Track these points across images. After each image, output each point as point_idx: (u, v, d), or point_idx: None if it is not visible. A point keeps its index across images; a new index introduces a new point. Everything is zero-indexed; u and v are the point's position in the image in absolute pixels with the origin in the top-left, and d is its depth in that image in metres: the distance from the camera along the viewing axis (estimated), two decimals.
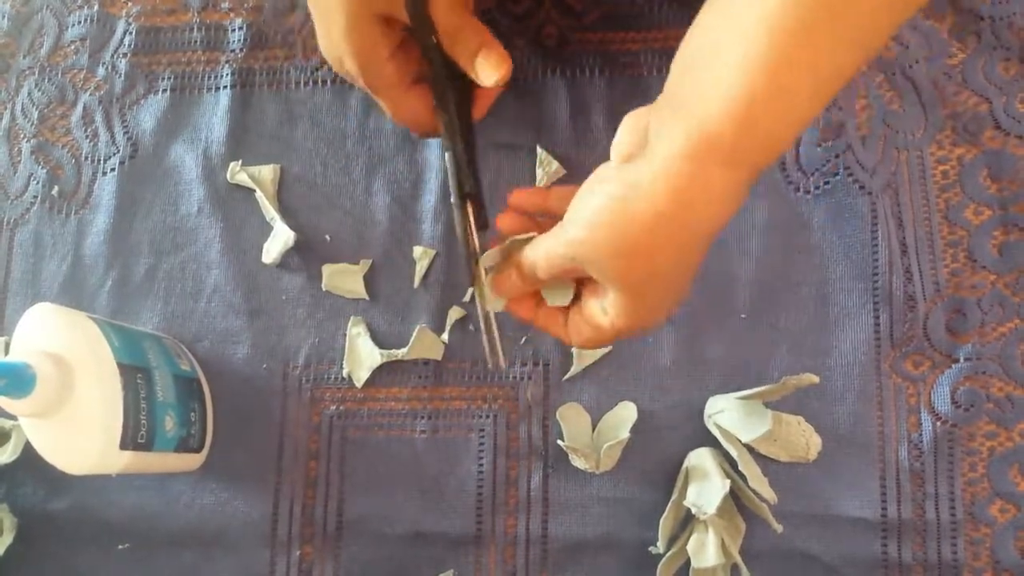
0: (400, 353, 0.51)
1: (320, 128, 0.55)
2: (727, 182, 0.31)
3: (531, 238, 0.39)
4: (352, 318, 0.52)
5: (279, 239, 0.52)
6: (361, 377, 0.51)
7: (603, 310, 0.37)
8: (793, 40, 0.29)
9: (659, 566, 0.47)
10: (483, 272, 0.42)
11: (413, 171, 0.54)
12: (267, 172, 0.54)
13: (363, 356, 0.51)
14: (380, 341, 0.52)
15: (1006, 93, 0.50)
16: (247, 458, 0.52)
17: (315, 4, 0.43)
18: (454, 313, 0.51)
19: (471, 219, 0.43)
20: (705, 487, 0.46)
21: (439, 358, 0.51)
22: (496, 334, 0.42)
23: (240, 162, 0.54)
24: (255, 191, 0.54)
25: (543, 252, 0.37)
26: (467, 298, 0.52)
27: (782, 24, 0.29)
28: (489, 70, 0.43)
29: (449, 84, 0.44)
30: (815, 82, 0.30)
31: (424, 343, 0.51)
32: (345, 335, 0.52)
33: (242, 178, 0.54)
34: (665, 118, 0.32)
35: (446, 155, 0.44)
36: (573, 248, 0.35)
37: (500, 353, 0.42)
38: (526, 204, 0.42)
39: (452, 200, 0.43)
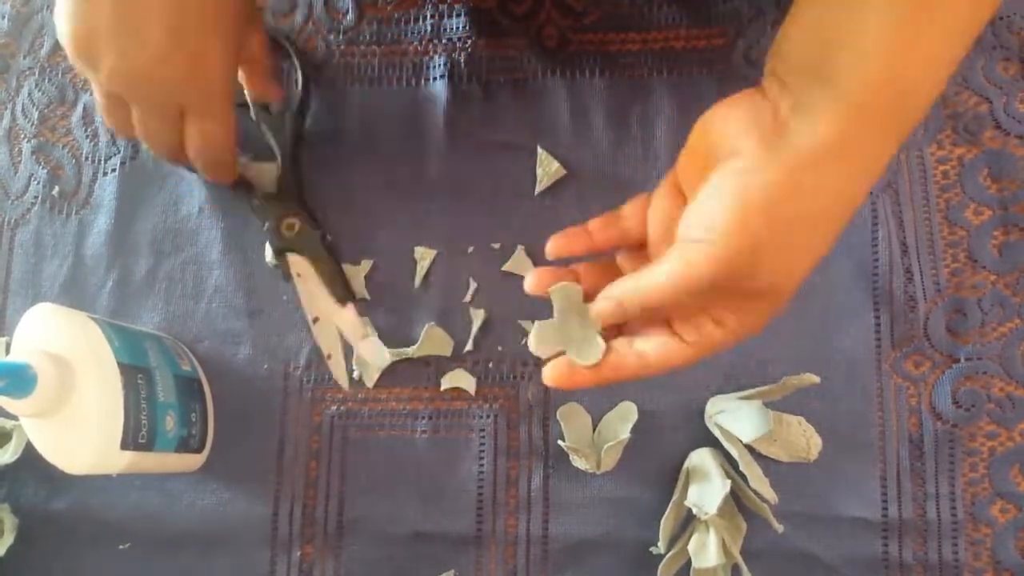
0: (410, 351, 0.51)
1: (320, 128, 0.55)
2: (884, 148, 0.31)
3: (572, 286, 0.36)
4: (360, 319, 0.52)
5: None
6: (372, 378, 0.51)
7: (717, 323, 0.34)
8: (936, 8, 0.28)
9: (660, 566, 0.47)
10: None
11: (413, 171, 0.54)
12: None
13: (372, 356, 0.51)
14: (382, 341, 0.52)
15: (1006, 93, 0.50)
16: (248, 458, 0.52)
17: (179, 31, 0.42)
18: (478, 316, 0.51)
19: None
20: (706, 487, 0.46)
21: (448, 354, 0.51)
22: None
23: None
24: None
25: (671, 283, 0.32)
26: (467, 298, 0.52)
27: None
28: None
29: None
30: (951, 39, 0.29)
31: (433, 340, 0.51)
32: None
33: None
34: (814, 90, 0.30)
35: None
36: (730, 259, 0.31)
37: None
38: (569, 248, 0.38)
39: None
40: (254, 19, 0.49)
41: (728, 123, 0.32)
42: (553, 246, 0.39)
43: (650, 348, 0.35)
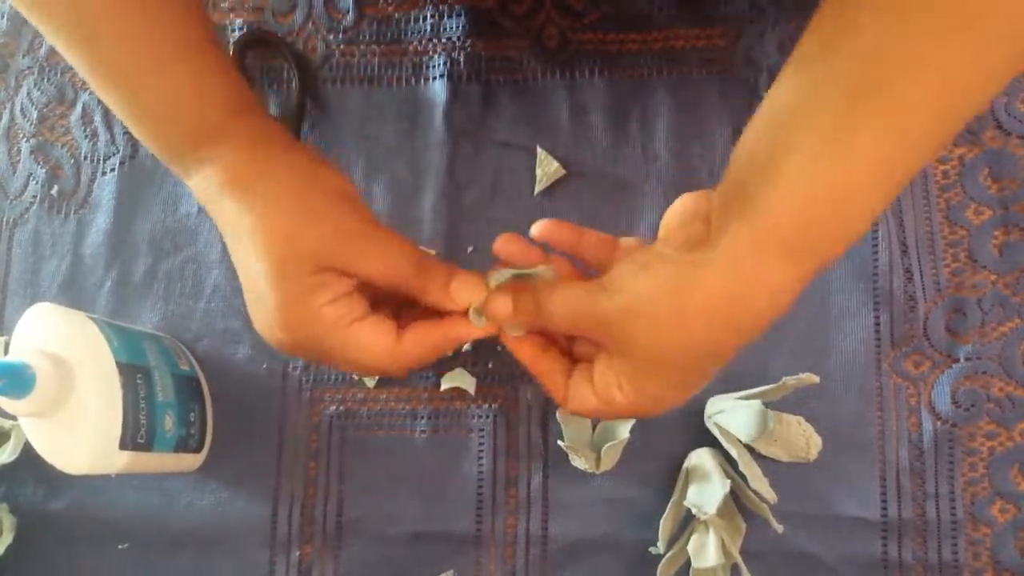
0: None
1: (320, 128, 0.55)
2: (787, 278, 0.31)
3: (543, 274, 0.38)
4: None
5: None
6: (372, 379, 0.51)
7: (619, 386, 0.35)
8: (860, 140, 0.28)
9: (659, 566, 0.47)
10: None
11: (413, 171, 0.54)
12: None
13: None
14: None
15: (1007, 93, 0.50)
16: (247, 458, 0.52)
17: (246, 280, 0.37)
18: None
19: None
20: (705, 487, 0.46)
21: (448, 354, 0.51)
22: None
23: None
24: None
25: (573, 306, 0.35)
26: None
27: (850, 123, 0.28)
28: (467, 293, 0.38)
29: None
30: (880, 182, 0.30)
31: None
32: None
33: None
34: (731, 210, 0.31)
35: None
36: (614, 319, 0.33)
37: None
38: (557, 238, 0.40)
39: None
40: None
41: (678, 212, 0.35)
42: (540, 228, 0.40)
43: (573, 382, 0.37)
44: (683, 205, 0.35)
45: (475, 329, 0.38)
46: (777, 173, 0.30)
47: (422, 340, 0.37)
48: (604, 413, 0.36)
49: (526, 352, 0.39)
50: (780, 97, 0.31)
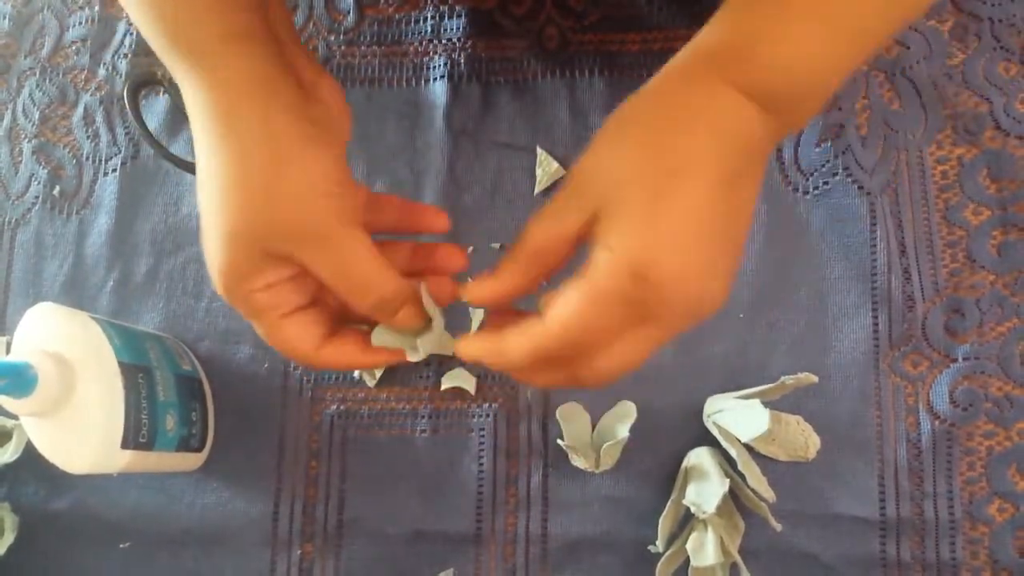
0: None
1: None
2: (734, 97, 0.30)
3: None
4: None
5: None
6: (375, 374, 0.51)
7: (602, 245, 0.30)
8: None
9: (658, 565, 0.47)
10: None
11: (413, 171, 0.54)
12: None
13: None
14: None
15: (1006, 94, 0.50)
16: (248, 457, 0.52)
17: (207, 224, 0.34)
18: (477, 316, 0.51)
19: None
20: (704, 486, 0.46)
21: (450, 353, 0.51)
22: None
23: None
24: None
25: (542, 210, 0.32)
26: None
27: None
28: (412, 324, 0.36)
29: None
30: (834, 28, 0.30)
31: (437, 339, 0.51)
32: None
33: None
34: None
35: None
36: (578, 165, 0.31)
37: None
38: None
39: None
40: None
41: None
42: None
43: (551, 300, 0.32)
44: None
45: (392, 356, 0.37)
46: (726, 12, 0.31)
47: (341, 354, 0.36)
48: (592, 293, 0.30)
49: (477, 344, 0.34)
50: None
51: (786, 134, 0.34)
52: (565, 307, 0.30)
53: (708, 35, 0.32)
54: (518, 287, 0.33)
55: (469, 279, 0.51)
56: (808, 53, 0.30)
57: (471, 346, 0.34)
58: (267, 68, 0.33)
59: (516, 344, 0.32)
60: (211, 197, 0.33)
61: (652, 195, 0.29)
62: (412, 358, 0.38)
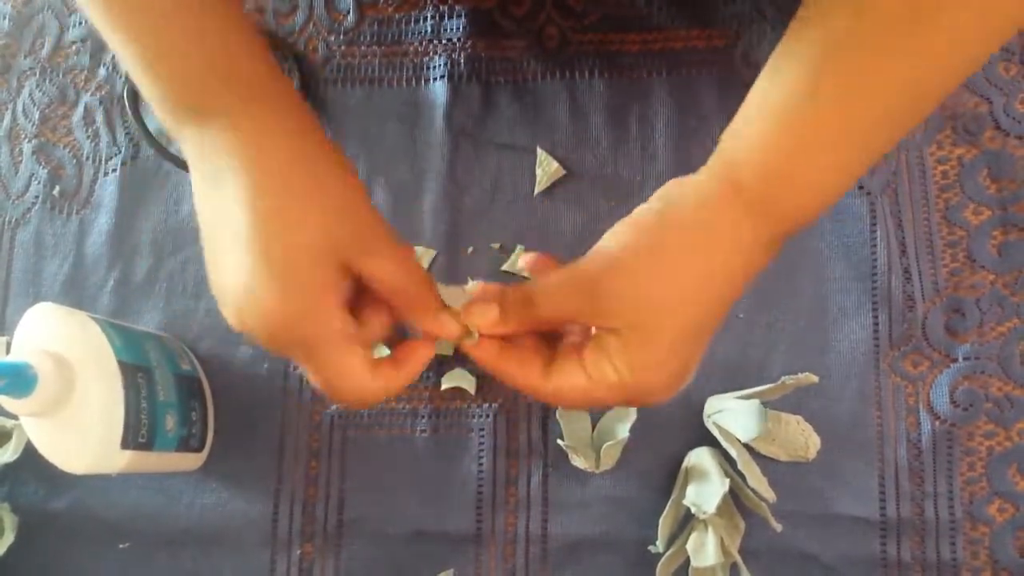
0: None
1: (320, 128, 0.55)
2: (754, 232, 0.32)
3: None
4: None
5: None
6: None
7: (610, 362, 0.33)
8: (832, 104, 0.30)
9: (658, 565, 0.47)
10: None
11: (413, 172, 0.54)
12: None
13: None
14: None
15: (1006, 94, 0.50)
16: (248, 457, 0.52)
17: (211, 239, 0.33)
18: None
19: None
20: (704, 486, 0.46)
21: (449, 353, 0.51)
22: None
23: None
24: None
25: (557, 286, 0.34)
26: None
27: (825, 88, 0.30)
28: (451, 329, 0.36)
29: None
30: (844, 139, 0.31)
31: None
32: None
33: None
34: (709, 162, 0.33)
35: None
36: (596, 278, 0.33)
37: None
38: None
39: None
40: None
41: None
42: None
43: (557, 366, 0.35)
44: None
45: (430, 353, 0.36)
46: (745, 131, 0.32)
47: (389, 381, 0.35)
48: (595, 395, 0.34)
49: (487, 350, 0.35)
50: (766, 69, 0.33)
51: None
52: (565, 388, 0.34)
53: (731, 167, 0.33)
54: (517, 332, 0.36)
55: (470, 279, 0.51)
56: (825, 191, 0.32)
57: (483, 355, 0.36)
58: (296, 96, 0.35)
59: (513, 376, 0.35)
60: (250, 228, 0.31)
61: (674, 344, 0.33)
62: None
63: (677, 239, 0.32)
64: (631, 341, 0.33)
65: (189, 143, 0.34)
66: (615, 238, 0.33)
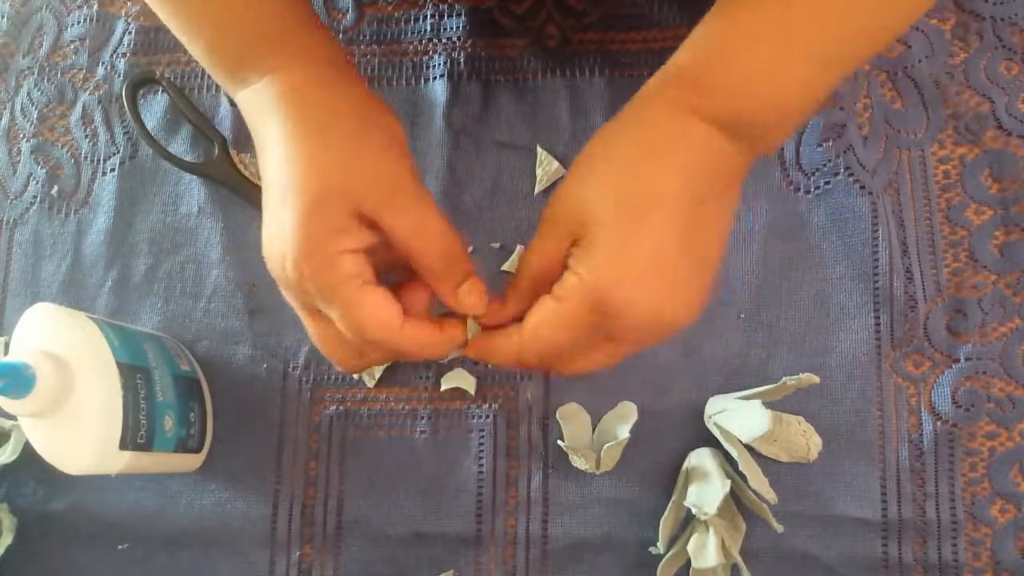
0: None
1: None
2: (697, 124, 0.32)
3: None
4: None
5: None
6: (374, 375, 0.51)
7: (571, 271, 0.33)
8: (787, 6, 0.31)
9: (659, 566, 0.47)
10: None
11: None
12: None
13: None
14: None
15: (1008, 93, 0.50)
16: (247, 458, 0.52)
17: (272, 186, 0.35)
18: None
19: None
20: (705, 487, 0.45)
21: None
22: None
23: (250, 155, 0.54)
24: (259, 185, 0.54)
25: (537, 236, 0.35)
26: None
27: None
28: (473, 301, 0.36)
29: None
30: (793, 44, 0.31)
31: None
32: None
33: (252, 172, 0.54)
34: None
35: None
36: (557, 191, 0.34)
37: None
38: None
39: None
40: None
41: None
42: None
43: (531, 311, 0.35)
44: None
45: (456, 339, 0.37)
46: (690, 38, 0.33)
47: (420, 330, 0.35)
48: (567, 315, 0.33)
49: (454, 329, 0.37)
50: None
51: (759, 156, 0.35)
52: (538, 320, 0.34)
53: (673, 63, 0.34)
54: (525, 310, 0.36)
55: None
56: (763, 78, 0.32)
57: (473, 345, 0.37)
58: (334, 47, 0.38)
59: (502, 347, 0.36)
60: (288, 171, 0.33)
61: (619, 229, 0.32)
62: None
63: (615, 135, 0.33)
64: (588, 244, 0.32)
65: (244, 103, 0.37)
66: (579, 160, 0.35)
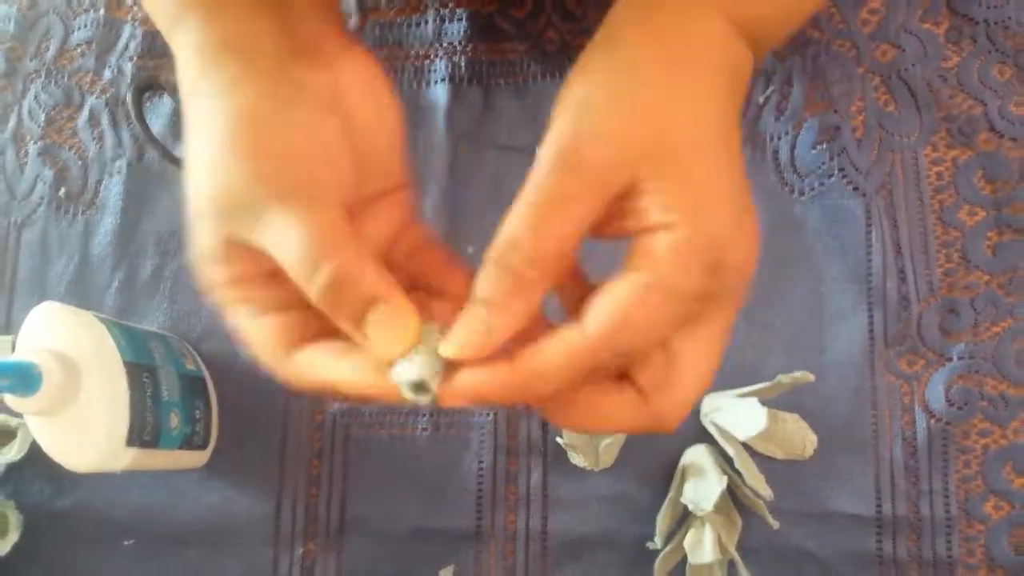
0: None
1: None
2: (730, 39, 0.27)
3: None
4: None
5: None
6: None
7: (666, 225, 0.25)
8: None
9: (656, 562, 0.47)
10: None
11: (414, 174, 0.54)
12: None
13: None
14: None
15: (1001, 96, 0.50)
16: (251, 456, 0.52)
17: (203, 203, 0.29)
18: None
19: None
20: (702, 484, 0.46)
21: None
22: None
23: None
24: None
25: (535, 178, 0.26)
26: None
27: None
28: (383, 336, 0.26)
29: None
30: None
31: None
32: None
33: None
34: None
35: None
36: (581, 136, 0.26)
37: None
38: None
39: None
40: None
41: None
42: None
43: (592, 317, 0.25)
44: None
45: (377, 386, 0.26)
46: None
47: (311, 362, 0.27)
48: (669, 282, 0.24)
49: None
50: None
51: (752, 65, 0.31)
52: (614, 308, 0.24)
53: None
54: (533, 313, 0.26)
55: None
56: None
57: (477, 377, 0.25)
58: (243, 28, 0.29)
59: (548, 360, 0.25)
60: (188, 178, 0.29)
61: (708, 164, 0.25)
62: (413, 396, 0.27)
63: (654, 60, 0.26)
64: (673, 188, 0.25)
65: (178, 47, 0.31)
66: (572, 88, 0.27)
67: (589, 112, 0.26)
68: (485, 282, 0.26)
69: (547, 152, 0.26)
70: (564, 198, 0.25)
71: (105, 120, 0.58)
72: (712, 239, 0.24)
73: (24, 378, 0.40)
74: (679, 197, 0.25)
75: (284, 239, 0.26)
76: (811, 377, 0.45)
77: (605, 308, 0.24)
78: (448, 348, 0.26)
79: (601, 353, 0.24)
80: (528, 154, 0.53)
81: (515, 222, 0.26)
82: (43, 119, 0.59)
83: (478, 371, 0.25)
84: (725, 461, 0.47)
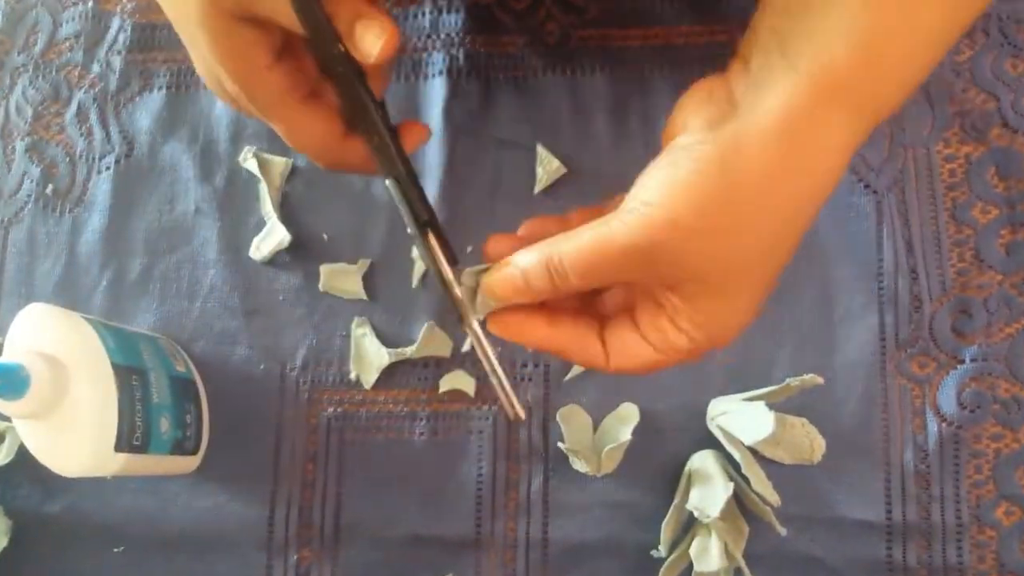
0: (409, 351, 0.50)
1: None
2: (849, 130, 0.27)
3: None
4: (356, 319, 0.51)
5: (273, 238, 0.52)
6: (370, 379, 0.51)
7: (675, 326, 0.30)
8: None
9: (661, 570, 0.46)
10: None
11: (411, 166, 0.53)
12: (278, 164, 0.53)
13: (371, 357, 0.51)
14: (380, 341, 0.51)
15: (1014, 90, 0.49)
16: (243, 460, 0.51)
17: (176, 20, 0.34)
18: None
19: (437, 249, 0.35)
20: (708, 490, 0.45)
21: (447, 355, 0.50)
22: (503, 376, 0.34)
23: (255, 148, 0.53)
24: (260, 183, 0.53)
25: (589, 246, 0.29)
26: (466, 347, 0.51)
27: None
28: (371, 40, 0.32)
29: (370, 99, 0.35)
30: (943, 17, 0.27)
31: (433, 340, 0.50)
32: (342, 335, 0.52)
33: (251, 165, 0.53)
34: (773, 66, 0.27)
35: (388, 183, 0.36)
36: (645, 234, 0.28)
37: (515, 402, 0.35)
38: (543, 233, 0.32)
39: (409, 231, 0.36)
40: None
41: (686, 104, 0.31)
42: (526, 229, 0.35)
43: (614, 339, 0.32)
44: (696, 89, 0.31)
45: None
46: (831, 15, 0.26)
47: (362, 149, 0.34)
48: (664, 363, 0.31)
49: (532, 328, 0.32)
50: None
51: None
52: (627, 367, 0.32)
53: (833, 55, 0.27)
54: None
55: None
56: (923, 64, 0.28)
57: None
58: None
59: (572, 354, 0.33)
60: None
61: (750, 293, 0.30)
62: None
63: (756, 173, 0.27)
64: (699, 300, 0.29)
65: None
66: (661, 193, 0.28)
67: (687, 231, 0.28)
68: (527, 266, 0.31)
69: (635, 223, 0.28)
70: (620, 270, 0.29)
71: (93, 116, 0.57)
72: (712, 343, 0.30)
73: (12, 381, 0.40)
74: (705, 320, 0.30)
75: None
76: (820, 380, 0.45)
77: (624, 365, 0.32)
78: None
79: (608, 371, 0.33)
80: (528, 149, 0.52)
81: (573, 255, 0.30)
82: (30, 114, 0.58)
83: (533, 324, 0.33)
84: (732, 466, 0.47)
